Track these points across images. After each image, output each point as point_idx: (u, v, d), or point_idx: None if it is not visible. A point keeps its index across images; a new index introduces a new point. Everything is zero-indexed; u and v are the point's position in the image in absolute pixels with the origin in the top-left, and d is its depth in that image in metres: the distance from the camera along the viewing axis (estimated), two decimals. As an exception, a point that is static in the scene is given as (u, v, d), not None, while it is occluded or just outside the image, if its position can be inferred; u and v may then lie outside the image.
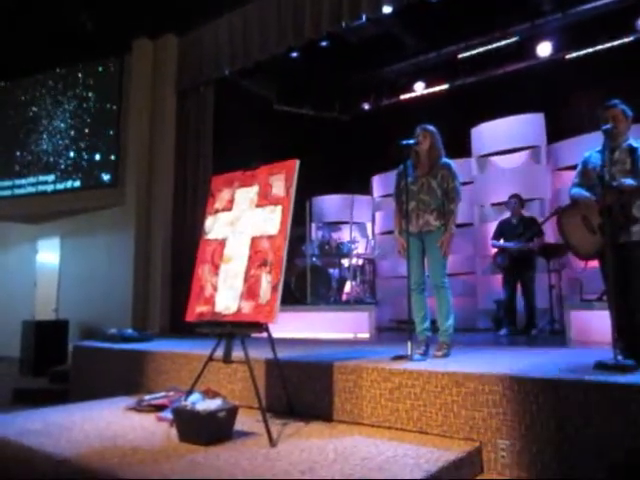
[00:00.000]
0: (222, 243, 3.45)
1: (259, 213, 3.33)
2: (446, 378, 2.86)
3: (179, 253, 6.90)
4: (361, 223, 8.87)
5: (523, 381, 2.62)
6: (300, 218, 7.04)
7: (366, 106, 8.86)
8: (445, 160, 3.75)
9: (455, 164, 3.75)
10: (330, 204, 8.73)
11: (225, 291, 3.29)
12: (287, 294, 7.02)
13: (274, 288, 3.03)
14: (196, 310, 3.37)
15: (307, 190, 4.99)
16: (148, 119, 7.49)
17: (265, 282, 3.10)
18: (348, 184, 8.44)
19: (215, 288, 3.34)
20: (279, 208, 3.24)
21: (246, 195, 3.46)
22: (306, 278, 7.06)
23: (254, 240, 3.27)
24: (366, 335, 5.93)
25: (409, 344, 3.36)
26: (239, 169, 3.59)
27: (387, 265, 8.30)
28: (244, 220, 3.41)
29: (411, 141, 3.67)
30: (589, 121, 5.98)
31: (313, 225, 8.57)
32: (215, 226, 3.55)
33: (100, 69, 7.82)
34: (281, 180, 3.27)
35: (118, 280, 7.25)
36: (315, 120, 8.65)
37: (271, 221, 3.25)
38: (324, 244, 7.84)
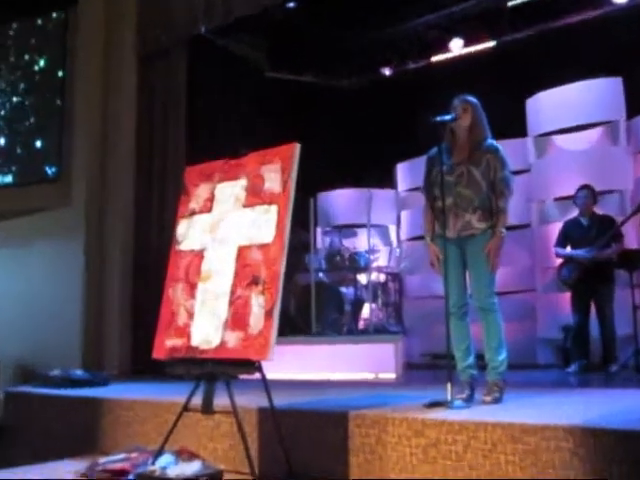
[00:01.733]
0: (199, 255, 3.49)
1: (248, 215, 3.37)
2: (498, 431, 2.85)
3: (143, 269, 6.97)
4: (382, 226, 8.93)
5: (601, 434, 2.61)
6: (302, 221, 7.09)
7: (387, 71, 8.91)
8: (491, 142, 3.78)
9: (504, 147, 3.77)
10: (341, 202, 8.79)
11: (204, 318, 3.32)
12: (286, 322, 6.99)
13: (268, 314, 3.06)
14: (166, 344, 3.41)
15: (310, 184, 5.01)
16: (101, 93, 7.59)
17: (256, 306, 3.12)
18: (364, 175, 8.48)
19: (191, 315, 3.37)
20: (274, 208, 3.28)
21: (230, 191, 3.49)
22: (310, 300, 7.09)
23: (241, 250, 3.31)
24: (391, 375, 5.94)
25: (448, 386, 3.37)
26: (221, 157, 3.62)
27: (417, 282, 8.31)
28: (228, 224, 3.45)
29: (447, 117, 3.70)
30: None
31: (319, 230, 8.59)
32: (190, 233, 3.59)
33: (39, 22, 7.86)
34: (276, 171, 3.31)
35: (63, 304, 7.30)
36: (319, 91, 8.73)
37: (264, 225, 3.28)
38: (334, 254, 7.89)
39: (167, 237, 5.54)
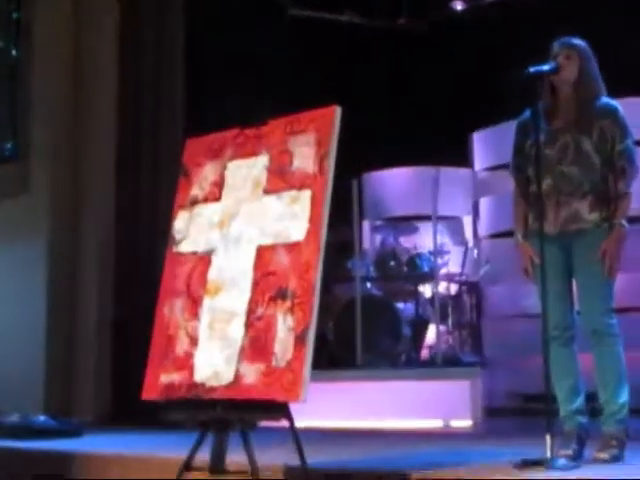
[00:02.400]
0: (205, 259, 3.48)
1: (271, 204, 3.36)
2: (618, 502, 2.78)
3: (129, 279, 6.98)
4: (453, 218, 8.88)
5: None
6: (342, 212, 7.03)
7: (458, 5, 8.84)
8: (607, 101, 3.74)
9: (627, 109, 3.73)
10: (396, 185, 8.72)
11: (212, 346, 3.31)
12: (322, 350, 7.02)
13: (300, 339, 3.04)
14: (161, 380, 3.39)
15: (354, 161, 4.95)
16: (70, 38, 7.60)
17: (283, 329, 3.11)
18: (427, 148, 8.36)
19: (194, 341, 3.36)
20: (306, 195, 3.27)
21: (247, 173, 3.47)
22: (355, 321, 7.03)
23: (262, 253, 3.31)
24: (466, 423, 5.92)
25: (547, 439, 3.32)
26: (232, 126, 3.60)
27: (502, 294, 8.23)
28: (244, 217, 3.44)
29: (544, 67, 3.65)
30: None
31: (366, 224, 8.54)
32: (192, 229, 3.58)
33: None
34: (309, 144, 3.30)
35: (21, 326, 7.32)
36: (364, 34, 8.68)
37: (292, 218, 3.28)
38: (386, 258, 7.83)
39: (161, 235, 5.32)
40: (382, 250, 8.04)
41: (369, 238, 8.60)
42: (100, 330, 7.13)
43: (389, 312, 7.46)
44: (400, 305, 7.80)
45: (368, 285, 7.79)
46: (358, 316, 7.04)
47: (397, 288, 7.97)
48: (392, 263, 7.81)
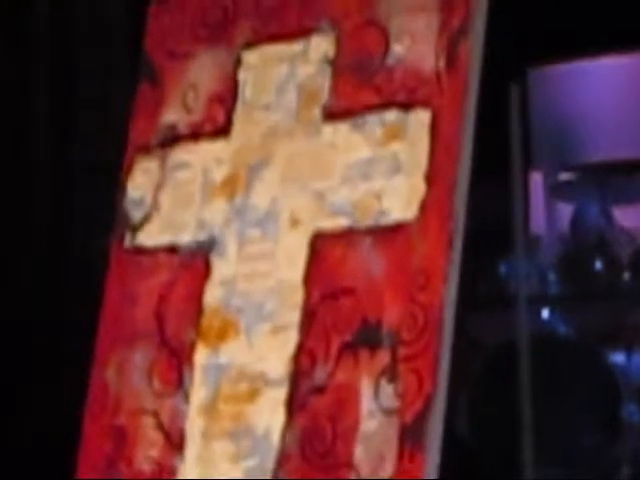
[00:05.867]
0: (196, 263, 2.38)
1: (341, 143, 2.25)
2: None
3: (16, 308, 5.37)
4: None
5: None
6: (487, 155, 4.88)
7: None
8: None
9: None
10: (603, 95, 6.19)
11: (213, 452, 2.23)
12: (449, 454, 4.95)
13: (412, 435, 2.00)
14: None
15: (514, 49, 4.56)
16: None
17: (375, 413, 2.06)
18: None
19: (175, 441, 2.27)
20: (421, 119, 2.12)
21: (285, 73, 2.34)
22: (518, 395, 4.98)
23: (323, 247, 2.20)
24: None
25: None
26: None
27: None
28: (280, 172, 2.32)
29: None
30: None
31: (537, 179, 5.87)
32: (165, 198, 2.48)
33: None
34: (425, 9, 2.21)
35: None
36: None
37: (391, 173, 2.16)
38: (587, 253, 5.45)
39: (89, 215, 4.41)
40: (577, 237, 5.71)
41: (544, 211, 6.57)
42: None
43: (595, 374, 5.24)
44: (619, 358, 5.23)
45: (546, 314, 5.76)
46: (525, 386, 4.87)
47: (611, 319, 6.13)
48: (599, 265, 5.76)
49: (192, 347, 2.18)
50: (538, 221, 5.54)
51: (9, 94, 5.26)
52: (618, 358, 4.93)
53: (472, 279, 5.10)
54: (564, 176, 5.78)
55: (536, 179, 5.71)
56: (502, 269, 5.11)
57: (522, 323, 4.52)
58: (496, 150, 4.72)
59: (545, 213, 5.62)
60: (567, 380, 4.66)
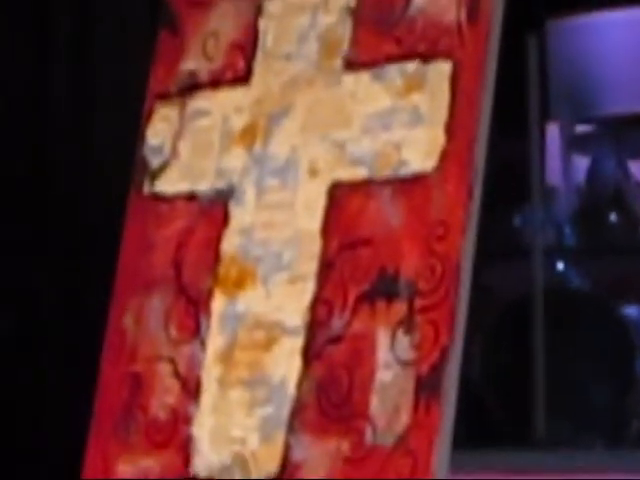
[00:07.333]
0: (215, 212, 2.36)
1: (361, 93, 2.25)
2: None
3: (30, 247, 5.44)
4: None
5: None
6: (504, 108, 4.79)
7: None
8: None
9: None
10: (620, 48, 6.45)
11: (230, 399, 2.23)
12: (466, 406, 4.91)
13: (427, 387, 1.99)
14: (118, 471, 2.36)
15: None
16: None
17: (391, 364, 2.05)
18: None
19: (191, 387, 2.27)
20: (442, 70, 2.12)
21: (307, 23, 2.35)
22: (532, 346, 5.06)
23: (342, 197, 2.19)
24: None
25: None
26: None
27: None
28: (300, 121, 2.31)
29: None
30: None
31: (554, 131, 5.83)
32: (184, 146, 2.46)
33: None
34: None
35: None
36: None
37: (411, 124, 2.14)
38: (603, 204, 5.37)
39: (107, 161, 4.35)
40: (593, 189, 5.84)
41: (561, 163, 6.51)
42: None
43: (609, 327, 5.30)
44: (633, 312, 5.20)
45: (561, 266, 5.85)
46: (539, 337, 5.17)
47: (626, 273, 6.18)
48: (615, 218, 5.98)
49: (209, 295, 2.22)
50: (554, 173, 5.56)
51: (28, 39, 5.36)
52: (633, 311, 4.95)
53: (488, 230, 5.11)
54: (581, 128, 5.76)
55: (553, 131, 5.73)
56: (518, 220, 5.09)
57: (537, 275, 4.58)
58: (513, 102, 4.78)
59: (561, 165, 5.64)
60: (581, 332, 4.71)
